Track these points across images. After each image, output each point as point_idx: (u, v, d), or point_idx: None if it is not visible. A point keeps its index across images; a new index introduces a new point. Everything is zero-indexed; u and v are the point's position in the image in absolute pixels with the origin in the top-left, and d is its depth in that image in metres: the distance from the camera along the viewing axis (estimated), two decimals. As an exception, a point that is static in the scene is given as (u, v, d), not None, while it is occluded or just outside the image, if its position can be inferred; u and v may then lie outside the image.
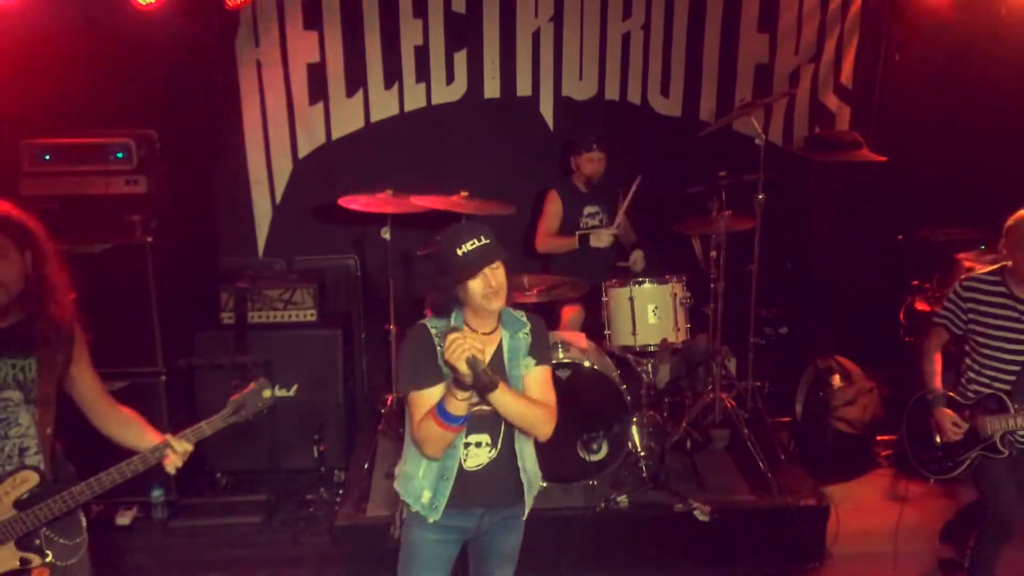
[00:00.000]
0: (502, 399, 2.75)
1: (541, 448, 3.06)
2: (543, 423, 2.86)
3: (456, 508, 2.93)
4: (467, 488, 2.92)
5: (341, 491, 4.80)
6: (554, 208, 5.39)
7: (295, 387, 5.04)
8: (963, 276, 3.92)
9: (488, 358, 2.80)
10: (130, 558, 4.48)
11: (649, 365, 4.88)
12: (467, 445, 2.89)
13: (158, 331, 4.68)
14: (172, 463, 2.77)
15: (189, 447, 2.77)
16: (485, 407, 2.83)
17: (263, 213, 5.83)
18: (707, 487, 4.62)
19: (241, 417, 2.82)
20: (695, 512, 4.35)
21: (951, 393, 3.84)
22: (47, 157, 4.69)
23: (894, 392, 5.51)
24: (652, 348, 4.79)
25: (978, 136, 5.75)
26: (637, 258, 5.38)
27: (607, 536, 4.37)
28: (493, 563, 3.14)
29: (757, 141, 4.90)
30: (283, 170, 5.79)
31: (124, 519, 4.73)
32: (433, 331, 2.85)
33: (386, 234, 4.92)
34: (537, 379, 2.92)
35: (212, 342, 4.98)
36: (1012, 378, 3.67)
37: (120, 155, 4.71)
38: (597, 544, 4.38)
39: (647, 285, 4.78)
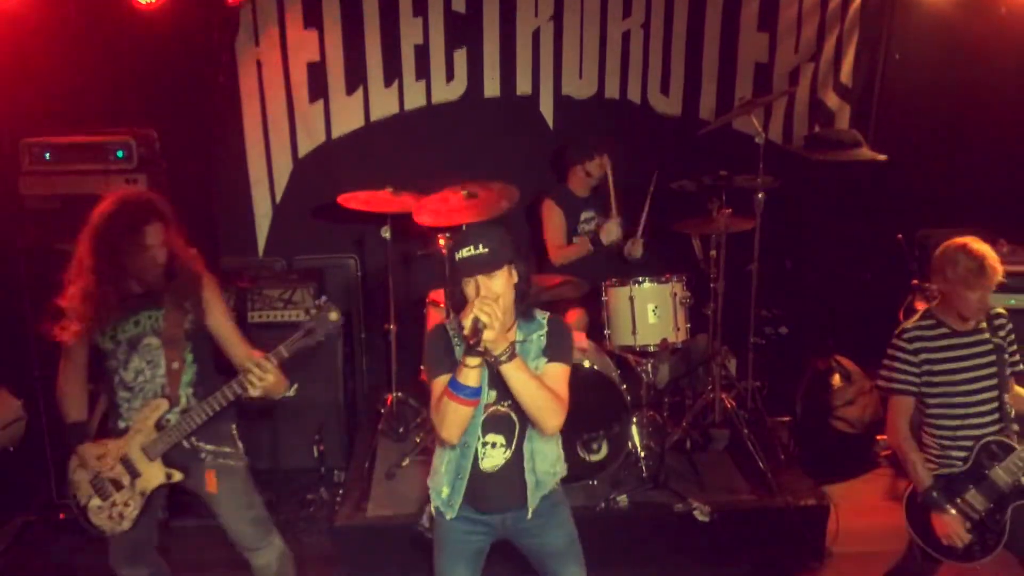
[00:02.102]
0: (513, 373, 2.79)
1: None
2: (552, 413, 2.86)
3: (473, 508, 3.01)
4: (482, 490, 2.99)
5: (341, 491, 4.80)
6: (555, 217, 5.37)
7: (295, 387, 5.01)
8: (898, 332, 3.52)
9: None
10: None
11: (649, 365, 4.88)
12: (483, 444, 2.96)
13: (158, 331, 4.67)
14: (251, 385, 3.23)
15: (270, 368, 3.24)
16: (502, 407, 2.92)
17: (263, 213, 5.82)
18: (707, 487, 4.62)
19: (313, 339, 3.24)
20: (695, 512, 4.36)
21: (945, 470, 3.43)
22: (47, 156, 4.68)
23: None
24: (652, 348, 4.79)
25: (978, 135, 5.75)
26: (634, 247, 5.29)
27: (607, 536, 4.37)
28: (553, 563, 3.18)
29: (757, 140, 4.90)
30: (283, 169, 5.79)
31: (124, 519, 4.73)
32: (451, 332, 2.97)
33: (386, 234, 4.93)
34: (549, 374, 2.93)
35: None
36: (993, 415, 3.41)
37: (120, 154, 4.70)
38: (597, 544, 4.33)
39: (647, 285, 4.78)
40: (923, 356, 3.45)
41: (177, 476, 3.45)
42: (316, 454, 4.97)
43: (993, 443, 3.41)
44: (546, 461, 3.05)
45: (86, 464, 3.42)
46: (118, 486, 3.41)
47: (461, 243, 2.86)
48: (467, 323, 2.70)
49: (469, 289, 2.85)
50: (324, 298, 3.27)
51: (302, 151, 5.77)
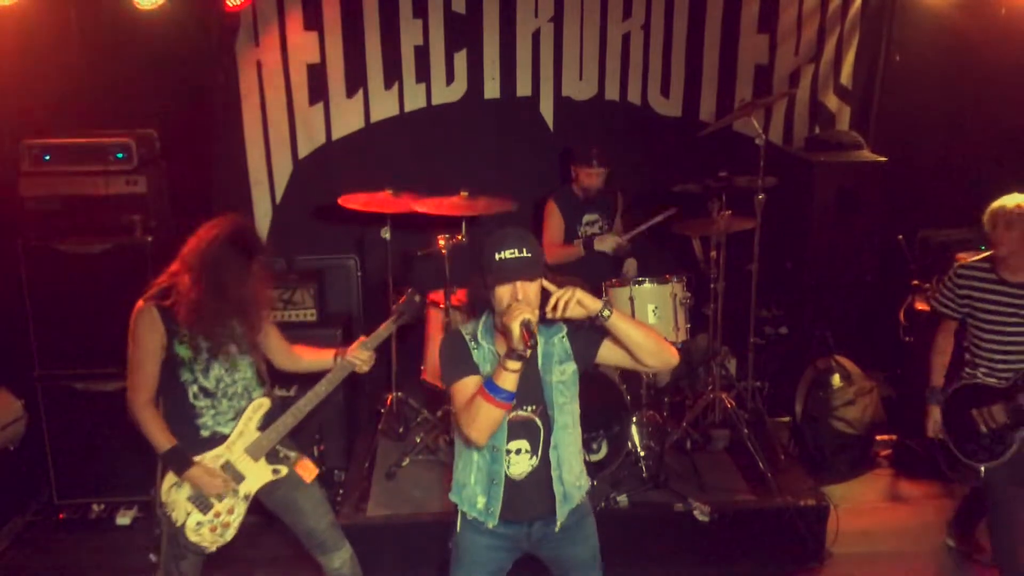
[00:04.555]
0: (619, 323, 2.78)
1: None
2: (666, 345, 2.86)
3: (508, 516, 2.95)
4: (515, 496, 2.94)
5: (341, 491, 4.80)
6: (554, 219, 5.36)
7: (295, 387, 5.02)
8: (957, 264, 4.00)
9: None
10: (130, 558, 4.48)
11: (649, 365, 4.87)
12: (508, 452, 2.91)
13: (158, 331, 4.67)
14: (362, 368, 3.55)
15: (371, 352, 3.55)
16: (525, 411, 2.88)
17: (263, 213, 5.82)
18: (707, 487, 4.62)
19: (404, 321, 3.64)
20: (695, 512, 4.36)
21: (991, 380, 3.84)
22: (47, 157, 4.69)
23: (894, 392, 5.51)
24: (652, 348, 4.78)
25: (978, 136, 5.75)
26: (630, 267, 5.38)
27: (607, 536, 4.33)
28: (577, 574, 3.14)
29: (757, 141, 4.90)
30: (283, 170, 5.79)
31: (124, 519, 4.74)
32: (467, 336, 2.93)
33: (386, 234, 4.93)
34: (607, 344, 2.91)
35: (212, 342, 4.96)
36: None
37: (120, 155, 4.71)
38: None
39: (647, 285, 4.77)
40: (965, 292, 3.89)
41: (284, 470, 3.47)
42: (316, 454, 4.94)
43: None
44: (572, 472, 3.00)
45: (201, 486, 3.32)
46: (220, 496, 3.38)
47: (501, 244, 2.77)
48: (515, 327, 2.63)
49: (504, 292, 2.76)
50: (410, 289, 3.64)
51: (302, 152, 5.77)
